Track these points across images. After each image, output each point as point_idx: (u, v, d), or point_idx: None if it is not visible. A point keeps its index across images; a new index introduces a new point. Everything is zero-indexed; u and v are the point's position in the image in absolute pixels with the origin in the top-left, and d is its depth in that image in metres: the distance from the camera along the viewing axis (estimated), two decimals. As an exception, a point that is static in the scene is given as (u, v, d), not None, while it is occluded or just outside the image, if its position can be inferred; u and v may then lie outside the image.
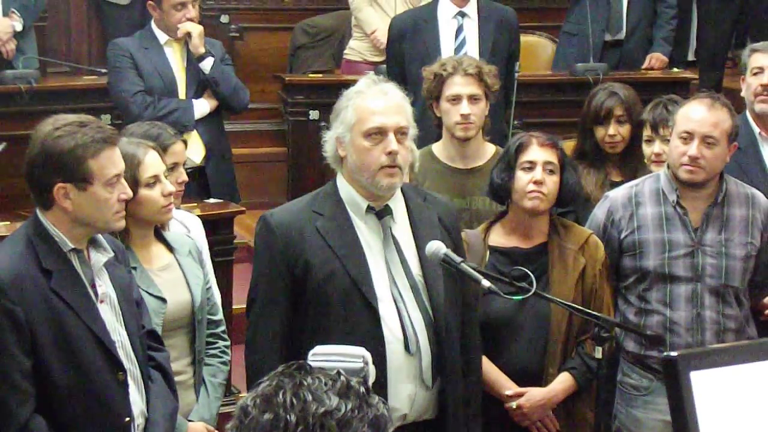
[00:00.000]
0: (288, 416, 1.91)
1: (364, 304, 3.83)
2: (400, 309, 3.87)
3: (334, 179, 3.99)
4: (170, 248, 4.29)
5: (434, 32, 6.51)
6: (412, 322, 3.86)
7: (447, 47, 6.44)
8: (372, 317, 3.82)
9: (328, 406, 1.92)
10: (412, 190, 4.10)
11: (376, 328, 3.81)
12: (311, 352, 2.63)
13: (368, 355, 2.59)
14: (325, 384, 1.94)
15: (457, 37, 6.54)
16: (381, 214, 3.93)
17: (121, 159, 3.67)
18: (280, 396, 1.93)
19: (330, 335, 3.69)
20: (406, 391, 3.86)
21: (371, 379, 2.53)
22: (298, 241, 3.87)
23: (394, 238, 3.93)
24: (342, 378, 1.96)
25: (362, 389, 1.96)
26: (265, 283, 3.93)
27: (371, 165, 3.85)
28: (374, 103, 3.87)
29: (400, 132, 3.87)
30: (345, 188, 3.93)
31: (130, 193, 3.68)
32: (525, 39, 7.08)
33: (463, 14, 6.57)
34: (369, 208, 3.91)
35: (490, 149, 5.23)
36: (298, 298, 3.88)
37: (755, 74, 5.55)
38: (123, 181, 3.64)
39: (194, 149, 6.36)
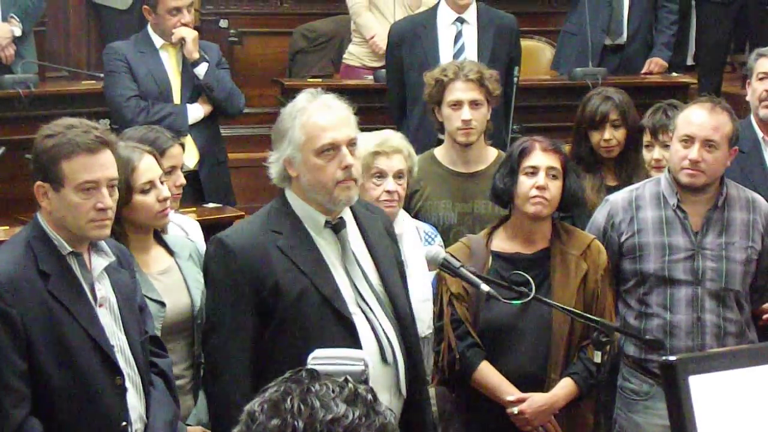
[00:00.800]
0: (295, 422, 1.90)
1: (338, 320, 3.76)
2: (371, 320, 3.81)
3: (283, 195, 3.88)
4: (170, 252, 4.26)
5: (433, 38, 6.50)
6: (385, 333, 3.82)
7: (446, 53, 6.43)
8: (347, 331, 3.75)
9: (336, 413, 1.91)
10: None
11: (353, 341, 3.71)
12: (311, 355, 2.61)
13: (368, 359, 2.58)
14: (333, 391, 1.94)
15: (456, 43, 6.52)
16: (337, 227, 3.84)
17: (107, 166, 3.58)
18: (288, 402, 1.91)
19: (305, 354, 3.57)
20: (383, 403, 3.80)
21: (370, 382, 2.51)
22: (263, 262, 3.75)
23: (351, 250, 3.87)
24: (350, 385, 1.96)
25: (370, 397, 1.96)
26: (229, 307, 3.79)
27: (327, 182, 3.75)
28: (321, 118, 3.78)
29: (351, 143, 3.79)
30: (298, 204, 3.83)
31: (108, 203, 3.58)
32: (524, 44, 7.06)
33: (462, 20, 6.55)
34: (326, 223, 3.84)
35: (492, 153, 5.22)
36: (266, 321, 3.77)
37: (761, 79, 5.53)
38: (104, 190, 3.56)
39: (188, 154, 6.32)
